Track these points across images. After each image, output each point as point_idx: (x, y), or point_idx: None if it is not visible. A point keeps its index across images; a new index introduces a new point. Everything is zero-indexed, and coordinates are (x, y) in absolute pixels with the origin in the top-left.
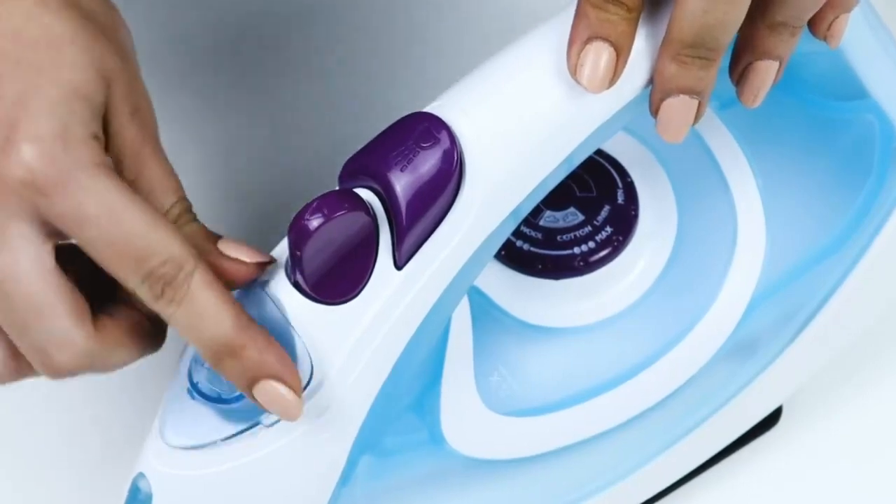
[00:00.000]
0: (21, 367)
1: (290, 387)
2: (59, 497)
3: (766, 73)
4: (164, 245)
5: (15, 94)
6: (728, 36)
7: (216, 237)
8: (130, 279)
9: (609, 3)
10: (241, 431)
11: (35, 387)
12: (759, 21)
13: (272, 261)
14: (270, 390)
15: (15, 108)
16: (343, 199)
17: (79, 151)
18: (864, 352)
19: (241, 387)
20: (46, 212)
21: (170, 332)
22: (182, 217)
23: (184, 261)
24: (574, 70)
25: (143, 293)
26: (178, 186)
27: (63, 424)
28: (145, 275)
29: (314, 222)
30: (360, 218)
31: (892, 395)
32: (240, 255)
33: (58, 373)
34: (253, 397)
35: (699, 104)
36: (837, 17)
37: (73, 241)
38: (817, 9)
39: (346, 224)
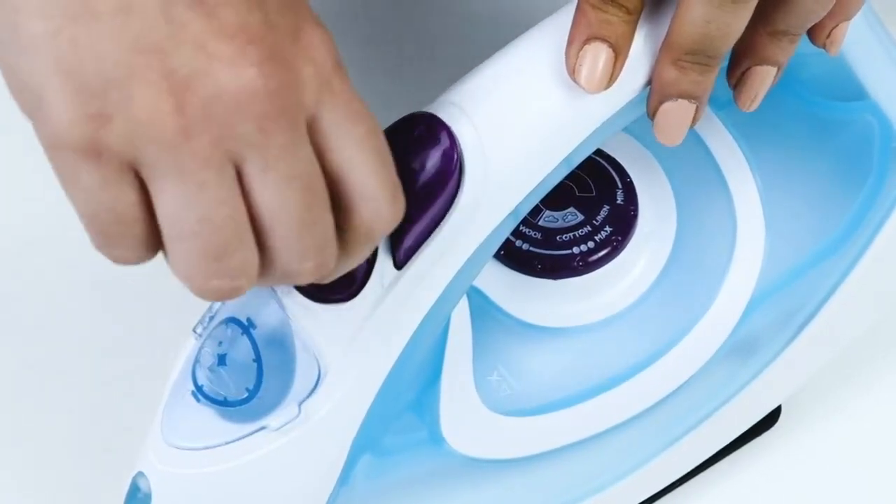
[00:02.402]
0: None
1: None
2: (58, 495)
3: (764, 78)
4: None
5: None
6: (729, 45)
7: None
8: (376, 189)
9: (609, 4)
10: (247, 435)
11: (34, 385)
12: (759, 27)
13: None
14: None
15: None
16: None
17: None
18: (864, 352)
19: None
20: (326, 106)
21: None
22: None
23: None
24: (572, 70)
25: (381, 206)
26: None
27: (62, 423)
28: (387, 190)
29: None
30: None
31: (892, 396)
32: None
33: (321, 276)
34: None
35: (697, 108)
36: (837, 25)
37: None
38: (819, 18)
39: None
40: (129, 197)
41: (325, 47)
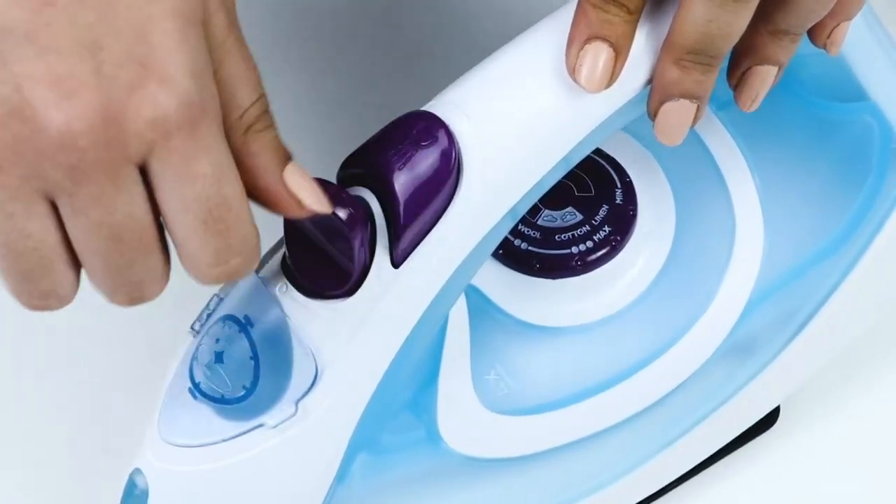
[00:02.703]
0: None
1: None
2: (55, 493)
3: (765, 77)
4: (247, 230)
5: (132, 29)
6: (730, 44)
7: (287, 156)
8: (199, 256)
9: (610, 3)
10: (244, 433)
11: (33, 383)
12: (760, 27)
13: (330, 212)
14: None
15: (137, 45)
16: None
17: (208, 94)
18: (863, 352)
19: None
20: (157, 158)
21: (166, 329)
22: (259, 121)
23: (254, 249)
24: (573, 69)
25: (202, 271)
26: (259, 82)
27: (60, 421)
28: (217, 260)
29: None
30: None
31: (891, 396)
32: (300, 193)
33: (137, 303)
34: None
35: (698, 108)
36: (838, 26)
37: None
38: (821, 17)
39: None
40: None
41: (172, 103)
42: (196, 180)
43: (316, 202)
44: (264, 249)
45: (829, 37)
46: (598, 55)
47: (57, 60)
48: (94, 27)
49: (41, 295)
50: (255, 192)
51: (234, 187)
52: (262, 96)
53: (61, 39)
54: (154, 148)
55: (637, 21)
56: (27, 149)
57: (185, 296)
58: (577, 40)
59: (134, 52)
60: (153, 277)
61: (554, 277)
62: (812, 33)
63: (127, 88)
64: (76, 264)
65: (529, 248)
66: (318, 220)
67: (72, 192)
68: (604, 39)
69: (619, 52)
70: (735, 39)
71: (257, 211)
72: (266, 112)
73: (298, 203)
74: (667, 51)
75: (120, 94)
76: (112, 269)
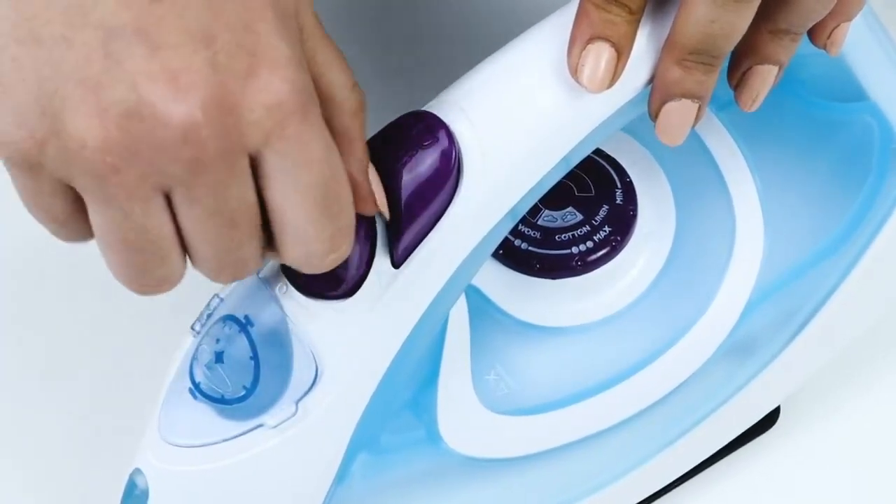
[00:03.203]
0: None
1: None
2: (56, 493)
3: (765, 77)
4: (351, 212)
5: (238, 20)
6: (732, 44)
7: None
8: (311, 239)
9: (612, 4)
10: (244, 433)
11: (33, 383)
12: (761, 26)
13: (387, 217)
14: None
15: (246, 35)
16: None
17: (309, 81)
18: (863, 352)
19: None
20: (273, 147)
21: (167, 329)
22: (361, 107)
23: (352, 231)
24: (574, 69)
25: (311, 255)
26: (350, 71)
27: (60, 421)
28: (329, 243)
29: None
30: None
31: (891, 396)
32: (377, 190)
33: (238, 279)
34: None
35: (699, 108)
36: (838, 26)
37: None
38: (821, 17)
39: None
40: (62, 206)
41: (285, 89)
42: (313, 165)
43: (384, 205)
44: None
45: (829, 37)
46: (600, 55)
47: (171, 56)
48: (202, 20)
49: (156, 283)
50: None
51: (342, 170)
52: (355, 85)
53: (172, 34)
54: (270, 136)
55: (639, 21)
56: (146, 147)
57: (185, 296)
58: (580, 40)
59: (243, 42)
60: (256, 256)
61: (554, 277)
62: (812, 34)
63: (242, 77)
64: (186, 249)
65: (529, 248)
66: None
67: (190, 184)
68: (606, 39)
69: (621, 53)
70: (737, 39)
71: None
72: (362, 103)
73: (374, 201)
74: (668, 51)
75: (235, 83)
76: (223, 253)
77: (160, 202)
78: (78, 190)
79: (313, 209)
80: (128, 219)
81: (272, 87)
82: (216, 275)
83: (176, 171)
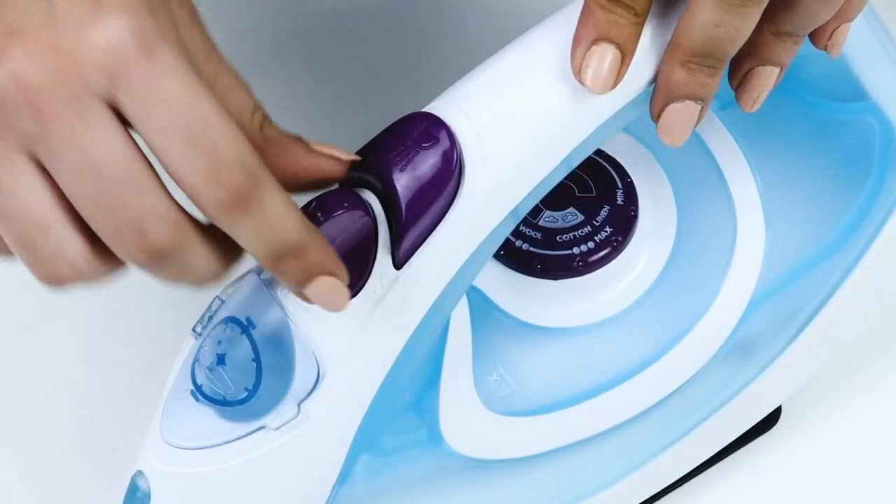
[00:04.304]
0: (106, 259)
1: (343, 280)
2: (57, 495)
3: (767, 78)
4: (239, 147)
5: None
6: (737, 47)
7: (301, 140)
8: (197, 181)
9: (617, 5)
10: (246, 435)
11: (34, 385)
12: (764, 28)
13: (359, 159)
14: (327, 285)
15: None
16: (343, 198)
17: (163, 24)
18: (864, 353)
19: (293, 283)
20: (122, 89)
21: (168, 331)
22: (265, 124)
23: (256, 168)
24: (578, 70)
25: (207, 199)
26: (252, 94)
27: (62, 423)
28: (217, 180)
29: (313, 221)
30: (359, 217)
31: (892, 396)
32: (333, 152)
33: (152, 252)
34: (303, 293)
35: (701, 109)
36: (838, 27)
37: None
38: (825, 20)
39: (346, 223)
40: None
41: (123, 29)
42: (169, 102)
43: (349, 155)
44: None
45: (829, 39)
46: (604, 56)
47: (11, 13)
48: None
49: (46, 261)
50: (293, 173)
51: (213, 107)
52: (258, 105)
53: None
54: (117, 79)
55: (643, 23)
56: None
57: (186, 298)
58: (584, 41)
59: None
60: (154, 216)
61: (555, 278)
62: (813, 36)
63: (78, 23)
64: (81, 227)
65: (531, 248)
66: (319, 220)
67: (42, 136)
68: (610, 41)
69: (625, 54)
70: (742, 42)
71: None
72: (267, 118)
73: (336, 159)
74: (672, 52)
75: (71, 29)
76: (105, 211)
77: (28, 167)
78: None
79: (179, 146)
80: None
81: (109, 30)
82: (117, 245)
83: (25, 125)
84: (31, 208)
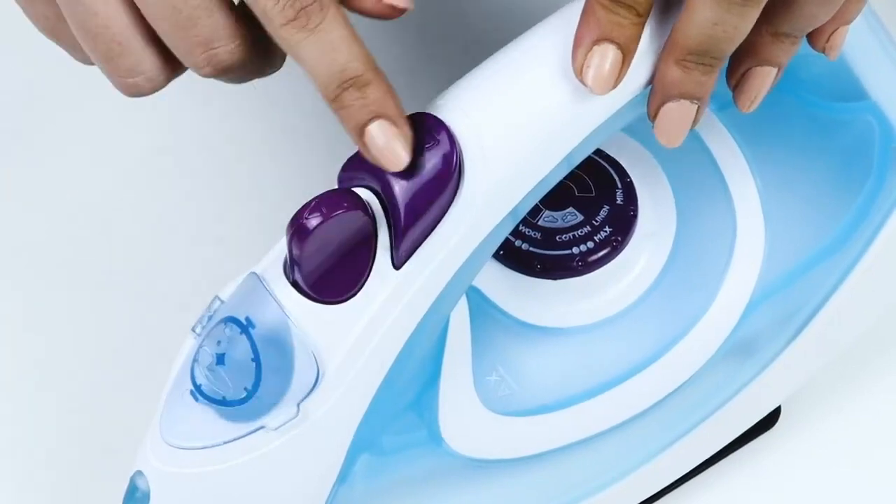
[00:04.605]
0: (176, 68)
1: (404, 135)
2: (57, 495)
3: (765, 78)
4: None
5: None
6: (734, 46)
7: None
8: (268, 2)
9: (620, 6)
10: (246, 435)
11: (34, 385)
12: (762, 29)
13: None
14: (388, 131)
15: None
16: (342, 199)
17: None
18: (864, 353)
19: (353, 125)
20: None
21: (168, 331)
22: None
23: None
24: (579, 70)
25: (274, 15)
26: None
27: (61, 423)
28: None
29: (313, 221)
30: (358, 217)
31: (891, 396)
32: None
33: (218, 67)
34: (363, 139)
35: (698, 109)
36: (837, 30)
37: None
38: (823, 22)
39: (345, 223)
40: (45, 9)
41: None
42: None
43: (403, 1)
44: (266, 251)
45: (828, 41)
46: (605, 56)
47: None
48: None
49: (126, 73)
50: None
51: None
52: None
53: None
54: None
55: (644, 24)
56: None
57: (186, 297)
58: (586, 41)
59: None
60: (219, 35)
61: (555, 278)
62: (811, 37)
63: None
64: (156, 44)
65: (530, 248)
66: (318, 221)
67: None
68: (612, 41)
69: (627, 55)
70: (739, 42)
71: (257, 211)
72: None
73: (392, 7)
74: (669, 51)
75: None
76: (179, 30)
77: None
78: None
79: None
80: (78, 3)
81: None
82: (189, 58)
83: None
84: (112, 27)
